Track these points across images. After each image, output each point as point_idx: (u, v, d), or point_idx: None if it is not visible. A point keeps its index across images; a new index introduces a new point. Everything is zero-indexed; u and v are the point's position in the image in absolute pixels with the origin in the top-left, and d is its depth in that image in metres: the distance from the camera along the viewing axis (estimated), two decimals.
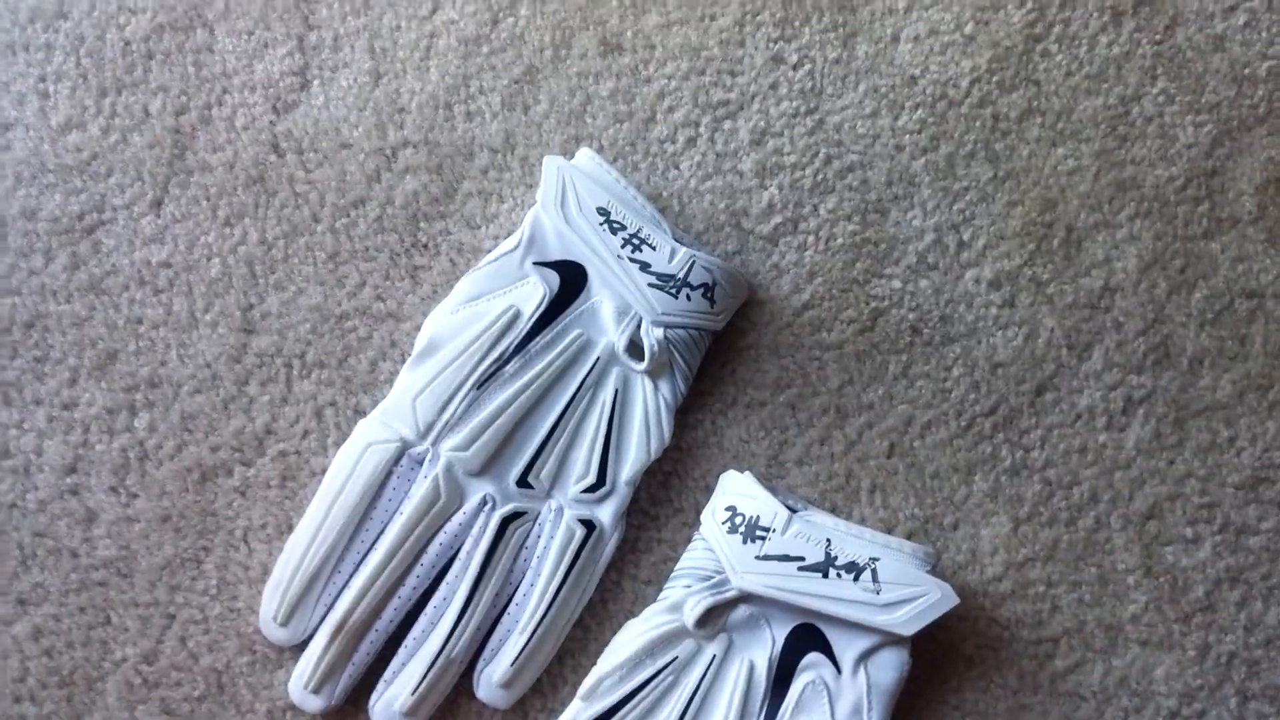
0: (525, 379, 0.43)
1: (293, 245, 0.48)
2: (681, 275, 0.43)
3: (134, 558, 0.44)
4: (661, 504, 0.45)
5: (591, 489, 0.43)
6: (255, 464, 0.45)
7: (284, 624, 0.42)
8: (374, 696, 0.41)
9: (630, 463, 0.43)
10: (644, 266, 0.43)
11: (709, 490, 0.44)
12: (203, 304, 0.47)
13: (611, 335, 0.43)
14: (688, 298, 0.43)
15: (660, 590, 0.42)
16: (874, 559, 0.40)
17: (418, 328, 0.46)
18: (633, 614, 0.42)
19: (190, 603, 0.44)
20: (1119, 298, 0.46)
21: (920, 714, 0.41)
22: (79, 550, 0.44)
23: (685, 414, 0.45)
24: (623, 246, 0.43)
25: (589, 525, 0.42)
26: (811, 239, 0.47)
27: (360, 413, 0.46)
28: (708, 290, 0.43)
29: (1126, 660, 0.42)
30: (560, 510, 0.42)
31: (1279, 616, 0.42)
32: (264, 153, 0.48)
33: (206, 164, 0.47)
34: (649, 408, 0.43)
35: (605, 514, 0.43)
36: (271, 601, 0.42)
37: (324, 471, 0.44)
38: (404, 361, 0.46)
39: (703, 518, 0.42)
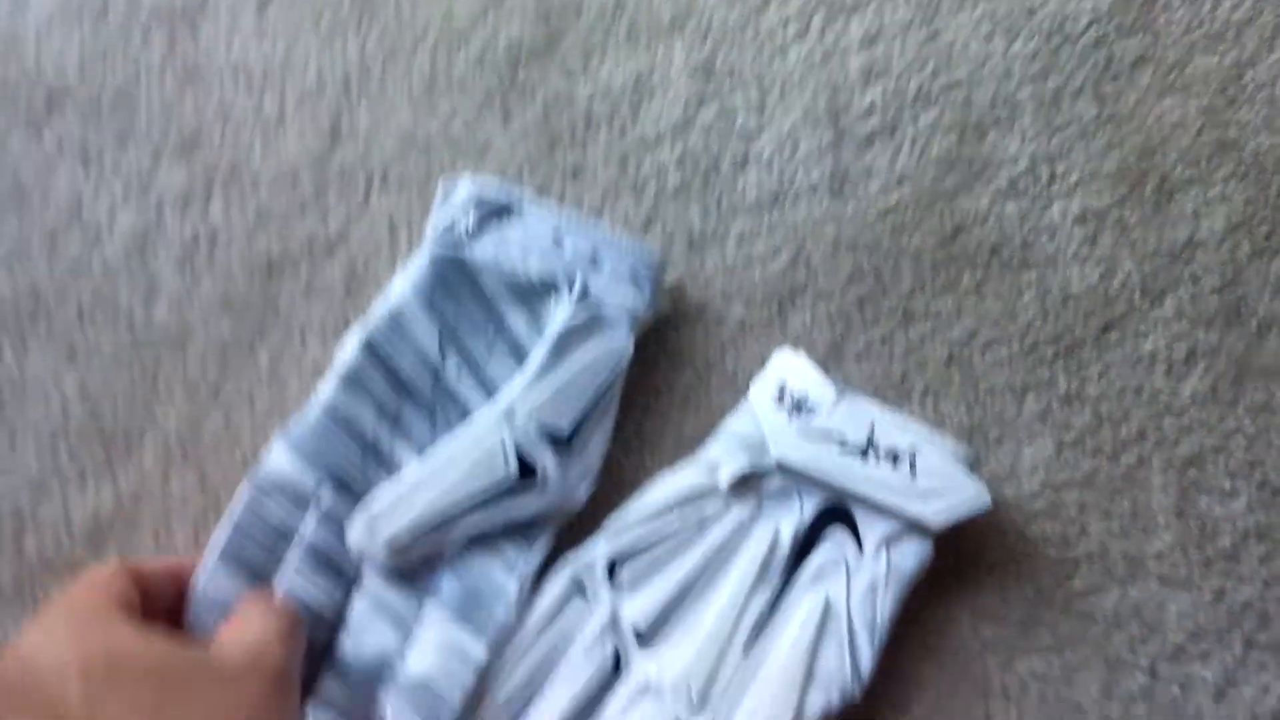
0: None
1: (390, 66, 0.52)
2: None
3: (190, 333, 0.48)
4: (715, 371, 0.48)
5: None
6: (323, 267, 0.49)
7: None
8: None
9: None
10: None
11: (763, 365, 0.47)
12: (293, 107, 0.51)
13: None
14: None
15: (699, 449, 0.47)
16: (914, 449, 0.43)
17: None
18: (670, 468, 0.45)
19: (239, 384, 0.48)
20: (1200, 253, 0.49)
21: (935, 608, 0.45)
22: (136, 317, 0.48)
23: (753, 292, 0.50)
24: None
25: None
26: (907, 146, 0.51)
27: None
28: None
29: (1143, 592, 0.46)
30: None
31: None
32: None
33: None
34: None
35: None
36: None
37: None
38: None
39: (752, 387, 0.45)
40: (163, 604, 0.39)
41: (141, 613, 0.36)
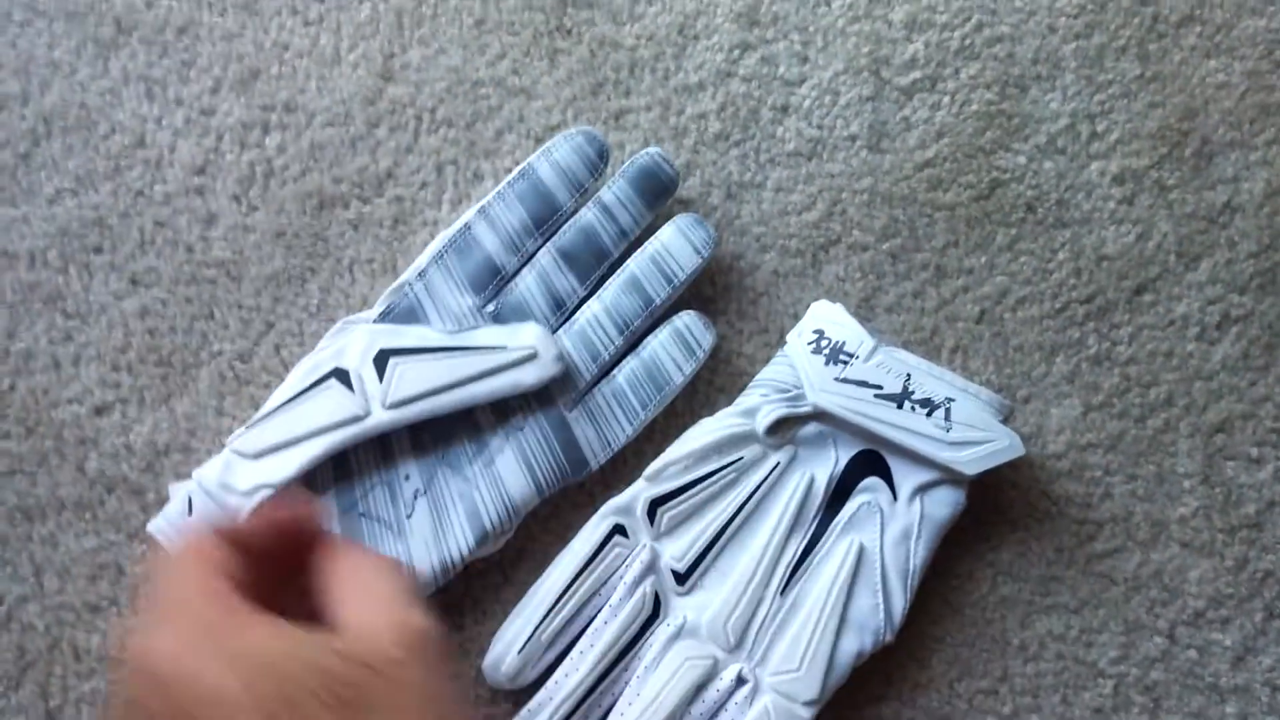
0: None
1: (442, 5, 0.47)
2: None
3: (245, 263, 0.44)
4: (748, 320, 0.44)
5: None
6: (372, 202, 0.45)
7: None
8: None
9: None
10: None
11: (796, 318, 0.43)
12: (348, 43, 0.46)
13: None
14: None
15: (735, 398, 0.42)
16: (949, 399, 0.40)
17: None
18: (707, 416, 0.42)
19: (290, 315, 0.44)
20: (1238, 218, 0.44)
21: (956, 561, 0.41)
22: (195, 246, 0.44)
23: (788, 242, 0.44)
24: None
25: None
26: (947, 100, 0.46)
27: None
28: None
29: (1165, 556, 0.41)
30: None
31: None
32: None
33: None
34: None
35: None
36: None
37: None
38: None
39: (789, 336, 0.42)
40: (269, 569, 0.31)
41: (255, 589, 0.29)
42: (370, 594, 0.29)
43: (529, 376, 0.41)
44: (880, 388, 0.40)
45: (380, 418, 0.40)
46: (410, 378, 0.40)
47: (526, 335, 0.41)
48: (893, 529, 0.40)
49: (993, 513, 0.42)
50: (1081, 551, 0.42)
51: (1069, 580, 0.41)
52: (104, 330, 0.44)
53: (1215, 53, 0.46)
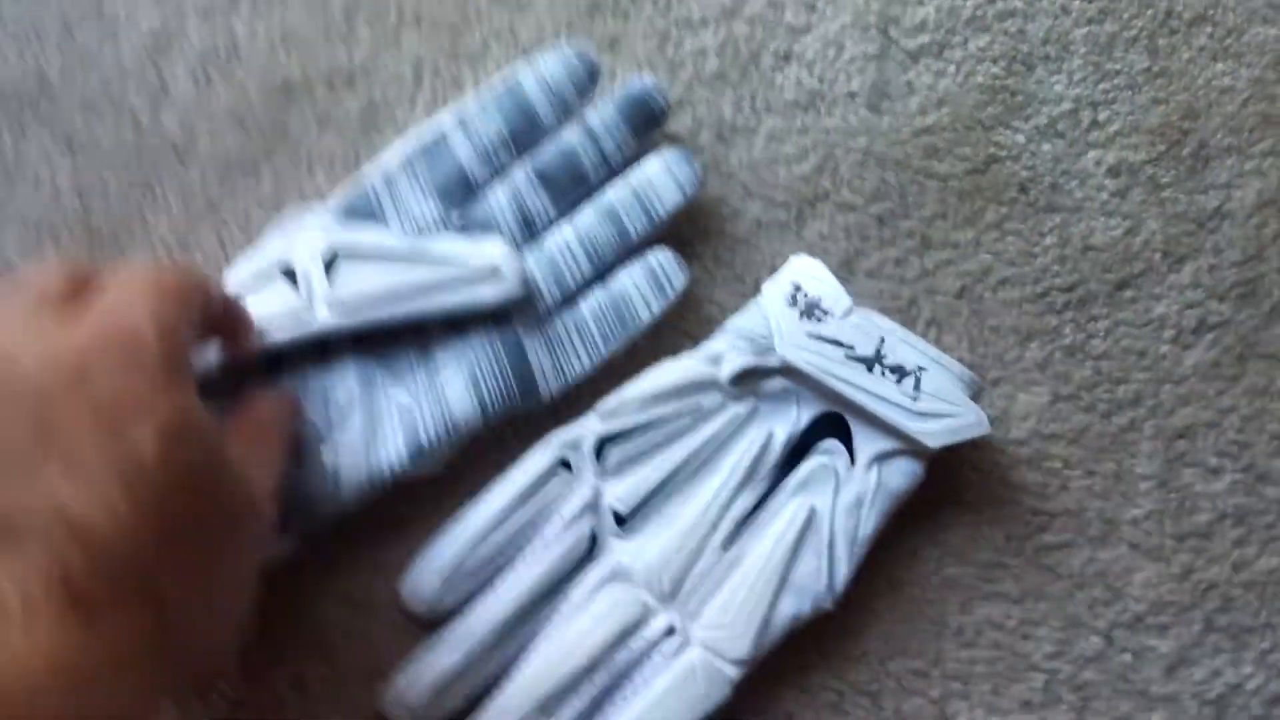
0: None
1: None
2: None
3: (194, 143, 0.41)
4: (723, 266, 0.42)
5: None
6: (341, 96, 0.42)
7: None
8: None
9: None
10: None
11: (773, 270, 0.41)
12: None
13: None
14: None
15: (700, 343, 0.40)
16: (921, 368, 0.38)
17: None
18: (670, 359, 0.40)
19: (237, 202, 0.41)
20: (1227, 224, 0.43)
21: (903, 537, 0.40)
22: (142, 118, 0.41)
23: (774, 192, 0.43)
24: None
25: None
26: (952, 69, 0.44)
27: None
28: None
29: (1112, 556, 0.40)
30: None
31: (1268, 566, 0.40)
32: None
33: None
34: None
35: None
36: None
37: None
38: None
39: (763, 287, 0.40)
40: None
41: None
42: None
43: (489, 295, 0.38)
44: (852, 348, 0.38)
45: (324, 320, 0.37)
46: (360, 282, 0.38)
47: (490, 251, 0.39)
48: (846, 494, 0.38)
49: (947, 492, 0.40)
50: (1031, 542, 0.40)
51: (1015, 569, 0.40)
52: (30, 190, 0.40)
53: (1223, 56, 0.45)
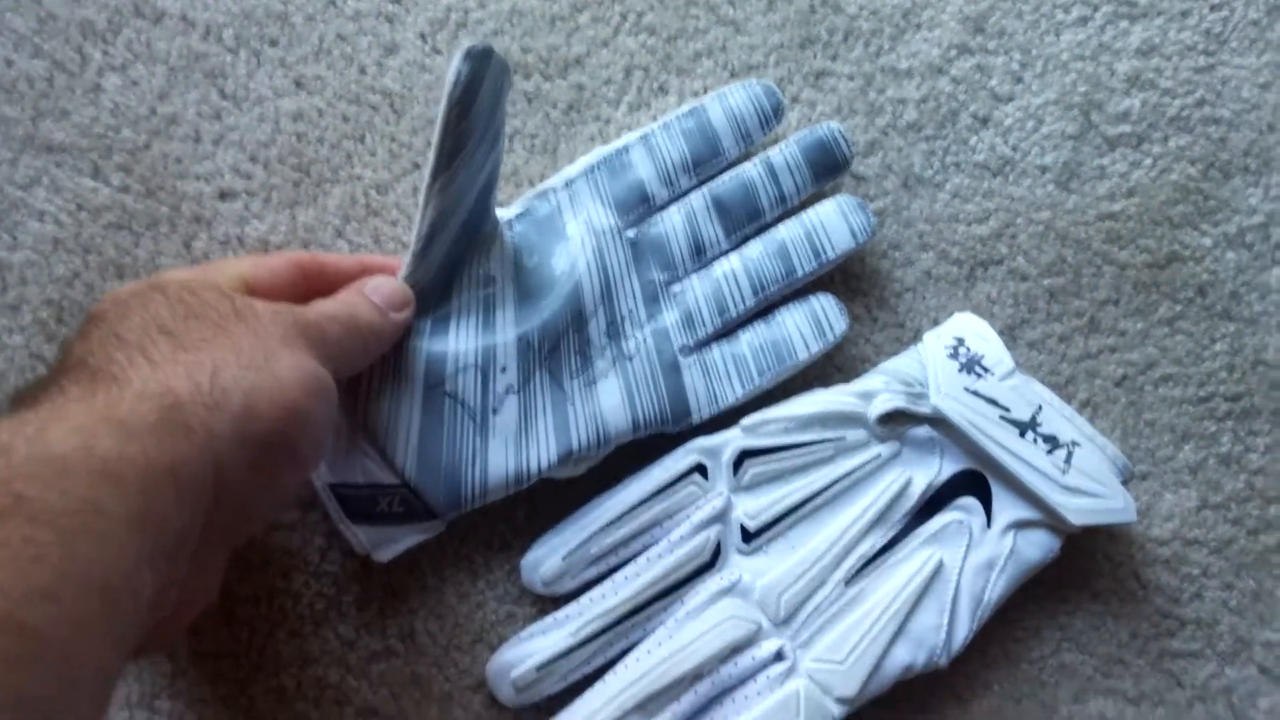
0: None
1: None
2: None
3: (411, 100, 0.43)
4: (886, 310, 0.42)
5: None
6: (553, 81, 0.44)
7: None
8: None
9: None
10: None
11: (935, 324, 0.41)
12: None
13: None
14: None
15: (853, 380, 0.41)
16: (1075, 443, 0.37)
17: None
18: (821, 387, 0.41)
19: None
20: None
21: (1026, 613, 0.39)
22: (368, 69, 0.43)
23: (949, 248, 0.43)
24: None
25: None
26: (1148, 162, 0.44)
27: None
28: None
29: (1240, 675, 0.39)
30: None
31: None
32: None
33: None
34: None
35: None
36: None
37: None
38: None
39: (926, 335, 0.40)
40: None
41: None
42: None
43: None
44: (1008, 410, 0.38)
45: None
46: None
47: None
48: (977, 555, 0.37)
49: (1078, 576, 0.39)
50: (1157, 644, 0.39)
51: (1136, 669, 0.39)
52: (254, 120, 0.43)
53: None
